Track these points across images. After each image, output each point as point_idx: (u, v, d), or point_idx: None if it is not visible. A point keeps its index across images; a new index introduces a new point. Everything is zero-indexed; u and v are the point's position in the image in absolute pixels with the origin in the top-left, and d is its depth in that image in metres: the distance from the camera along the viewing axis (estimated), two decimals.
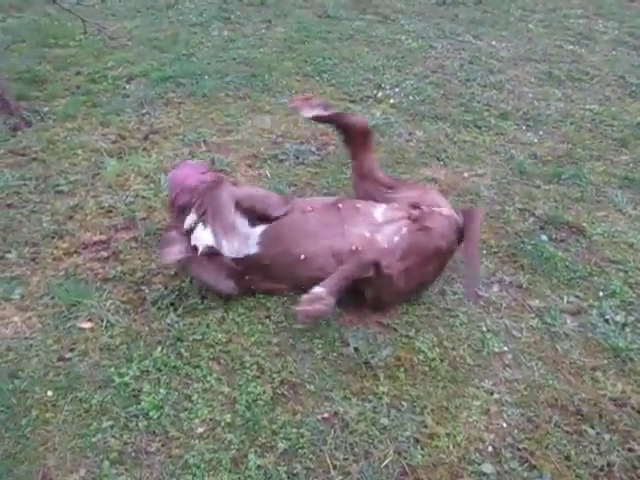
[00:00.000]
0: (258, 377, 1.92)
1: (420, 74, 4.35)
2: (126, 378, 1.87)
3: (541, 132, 3.65)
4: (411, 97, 3.94)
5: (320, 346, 2.06)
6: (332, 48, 4.73)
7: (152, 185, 2.86)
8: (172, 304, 2.18)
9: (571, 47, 5.08)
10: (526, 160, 3.30)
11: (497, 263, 2.52)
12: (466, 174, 3.15)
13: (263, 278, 2.19)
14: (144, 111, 3.55)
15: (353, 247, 2.09)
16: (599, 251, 2.60)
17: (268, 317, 2.15)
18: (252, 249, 2.17)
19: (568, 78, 4.46)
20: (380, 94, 3.94)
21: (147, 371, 1.90)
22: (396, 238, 2.12)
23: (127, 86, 3.88)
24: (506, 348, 2.12)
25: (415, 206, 2.22)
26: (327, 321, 2.13)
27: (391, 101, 3.86)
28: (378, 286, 2.11)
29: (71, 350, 2.00)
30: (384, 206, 2.23)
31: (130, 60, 4.25)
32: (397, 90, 4.02)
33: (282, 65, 4.33)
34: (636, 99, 4.19)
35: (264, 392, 1.87)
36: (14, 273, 2.32)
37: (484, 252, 2.55)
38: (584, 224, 2.77)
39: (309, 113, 2.38)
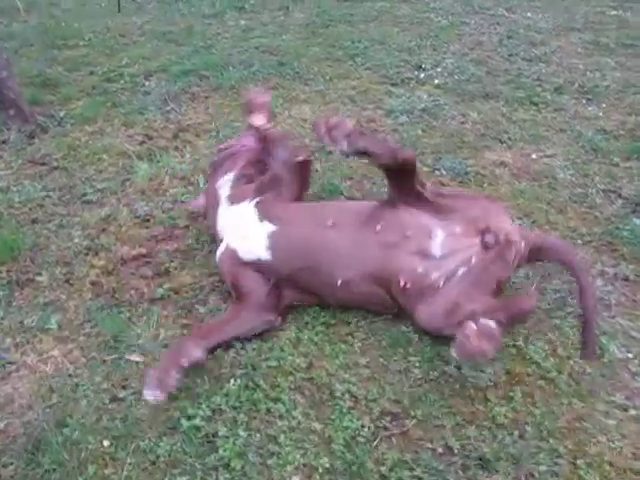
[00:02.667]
0: (352, 408, 1.61)
1: (458, 52, 4.01)
2: (196, 420, 1.55)
3: (604, 105, 3.31)
4: (455, 76, 3.60)
5: (417, 365, 1.74)
6: (359, 31, 4.40)
7: (190, 188, 2.55)
8: None
9: (614, 12, 4.72)
10: (596, 136, 2.96)
11: (593, 253, 2.20)
12: (534, 155, 2.82)
13: (293, 288, 1.88)
14: (169, 108, 3.24)
15: (401, 282, 1.74)
16: None
17: (350, 334, 1.84)
18: (263, 254, 1.86)
19: (618, 45, 4.11)
20: (422, 75, 3.60)
21: (220, 410, 1.59)
22: (461, 270, 1.75)
23: (146, 83, 3.57)
24: (630, 354, 1.81)
25: (484, 231, 1.77)
26: (420, 334, 1.82)
27: (435, 82, 3.53)
28: None
29: (124, 387, 1.69)
30: (442, 232, 1.77)
31: (146, 56, 3.93)
32: (439, 70, 3.68)
33: (309, 51, 4.00)
34: None
35: (362, 426, 1.56)
36: (47, 298, 2.01)
37: (578, 242, 2.23)
38: None
39: (335, 147, 1.76)
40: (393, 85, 3.51)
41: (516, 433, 1.55)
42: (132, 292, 2.02)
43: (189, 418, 1.56)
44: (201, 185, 2.53)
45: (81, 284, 2.07)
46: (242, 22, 4.66)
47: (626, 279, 2.09)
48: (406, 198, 1.80)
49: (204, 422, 1.55)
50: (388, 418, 1.59)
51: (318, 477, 1.45)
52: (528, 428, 1.57)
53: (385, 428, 1.56)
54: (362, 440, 1.53)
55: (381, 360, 1.75)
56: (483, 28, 4.48)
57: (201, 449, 1.50)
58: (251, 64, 3.78)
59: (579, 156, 2.80)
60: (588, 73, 3.71)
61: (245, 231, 1.91)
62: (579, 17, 4.67)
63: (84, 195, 2.53)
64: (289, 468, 1.46)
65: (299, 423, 1.57)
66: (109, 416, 1.60)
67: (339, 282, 1.78)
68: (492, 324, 1.57)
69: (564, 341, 1.82)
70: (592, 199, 2.48)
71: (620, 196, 2.51)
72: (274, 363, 1.72)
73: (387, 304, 1.82)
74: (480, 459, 1.49)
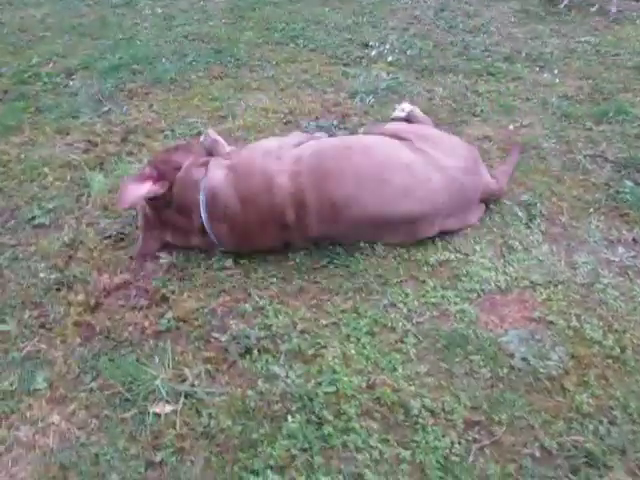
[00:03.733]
0: (434, 424, 1.41)
1: (398, 27, 3.89)
2: (266, 475, 1.29)
3: (556, 71, 3.32)
4: (406, 52, 3.47)
5: (481, 364, 1.58)
6: (289, 12, 4.15)
7: None
8: (266, 349, 1.61)
9: None
10: (561, 103, 2.95)
11: (604, 220, 2.15)
12: (512, 127, 2.75)
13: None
14: (106, 109, 2.83)
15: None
16: None
17: (400, 340, 1.64)
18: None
19: (547, 13, 4.19)
20: (373, 53, 3.44)
21: (291, 455, 1.33)
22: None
23: (70, 82, 3.11)
24: None
25: None
26: (473, 329, 1.66)
27: (388, 59, 3.37)
28: None
29: (158, 448, 1.38)
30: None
31: (60, 53, 3.44)
32: (387, 47, 3.53)
33: (244, 36, 3.70)
34: (621, 24, 4.00)
35: (453, 443, 1.37)
36: (23, 351, 1.63)
37: (590, 210, 2.18)
38: None
39: None
40: (346, 65, 3.32)
41: (606, 421, 1.44)
42: (130, 328, 1.69)
43: (256, 474, 1.29)
44: None
45: (62, 327, 1.69)
46: (159, 10, 4.25)
47: None
48: None
49: (276, 475, 1.29)
50: (475, 428, 1.41)
51: None
52: (616, 413, 1.46)
53: (475, 440, 1.39)
54: (456, 459, 1.34)
55: (442, 364, 1.57)
56: (414, 2, 4.40)
57: None
58: (185, 54, 3.43)
59: (554, 124, 2.77)
60: (529, 41, 3.73)
61: None
62: None
63: (33, 219, 2.11)
64: None
65: (381, 453, 1.35)
66: None
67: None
68: None
69: (614, 314, 1.74)
70: (583, 165, 2.45)
71: (607, 160, 2.50)
72: (331, 388, 1.48)
73: None
74: (585, 456, 1.36)
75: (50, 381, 1.54)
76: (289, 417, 1.41)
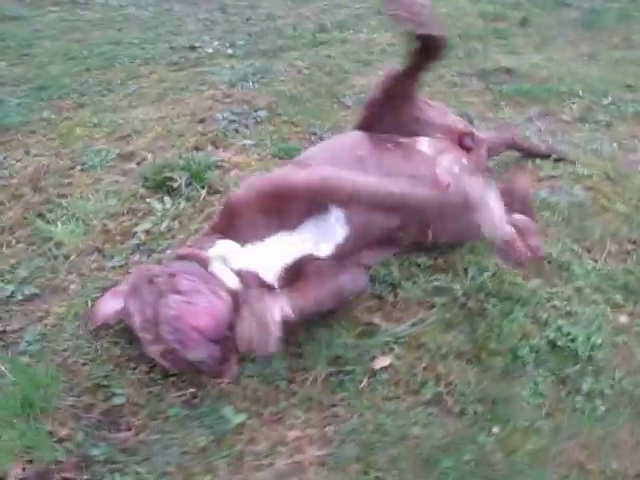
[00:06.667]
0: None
1: (199, 31, 3.92)
2: None
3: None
4: (239, 42, 3.57)
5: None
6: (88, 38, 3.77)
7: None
8: None
9: None
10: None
11: None
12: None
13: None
14: None
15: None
16: None
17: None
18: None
19: None
20: (209, 50, 3.43)
21: None
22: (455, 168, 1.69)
23: None
24: None
25: (460, 135, 1.82)
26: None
27: (229, 52, 3.41)
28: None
29: None
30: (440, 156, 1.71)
31: None
32: (216, 44, 3.55)
33: (53, 70, 3.25)
34: None
35: None
36: None
37: None
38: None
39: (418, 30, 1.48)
40: (193, 67, 3.23)
41: None
42: None
43: None
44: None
45: None
46: None
47: None
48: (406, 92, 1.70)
49: None
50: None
51: None
52: None
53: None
54: None
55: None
56: (187, 11, 4.47)
57: None
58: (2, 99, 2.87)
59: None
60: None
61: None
62: None
63: None
64: None
65: None
66: None
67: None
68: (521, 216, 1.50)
69: None
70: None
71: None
72: None
73: None
74: None
75: None
76: None
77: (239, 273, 1.36)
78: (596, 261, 1.72)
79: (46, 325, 1.52)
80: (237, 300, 1.28)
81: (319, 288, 1.40)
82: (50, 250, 1.77)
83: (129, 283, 1.41)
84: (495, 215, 1.37)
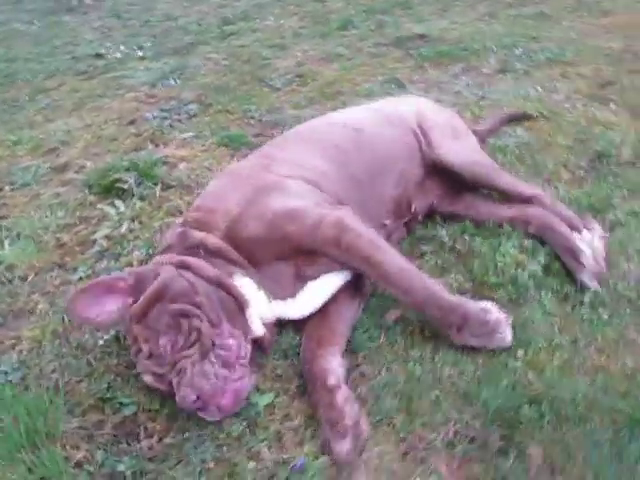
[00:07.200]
0: None
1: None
2: None
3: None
4: (145, 44, 3.42)
5: None
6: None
7: None
8: None
9: None
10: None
11: None
12: None
13: None
14: None
15: None
16: None
17: None
18: None
19: None
20: (117, 55, 3.27)
21: None
22: None
23: None
24: None
25: None
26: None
27: (139, 54, 3.26)
28: None
29: None
30: None
31: None
32: (123, 48, 3.38)
33: None
34: None
35: None
36: None
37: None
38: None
39: None
40: (103, 74, 3.06)
41: None
42: None
43: None
44: None
45: None
46: None
47: None
48: None
49: None
50: None
51: None
52: None
53: None
54: None
55: None
56: (78, 20, 4.22)
57: None
58: None
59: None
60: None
61: None
62: None
63: None
64: None
65: None
66: None
67: None
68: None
69: None
70: None
71: None
72: None
73: None
74: None
75: None
76: None
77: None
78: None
79: (21, 351, 1.38)
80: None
81: None
82: (3, 274, 1.60)
83: (146, 286, 1.20)
84: None
